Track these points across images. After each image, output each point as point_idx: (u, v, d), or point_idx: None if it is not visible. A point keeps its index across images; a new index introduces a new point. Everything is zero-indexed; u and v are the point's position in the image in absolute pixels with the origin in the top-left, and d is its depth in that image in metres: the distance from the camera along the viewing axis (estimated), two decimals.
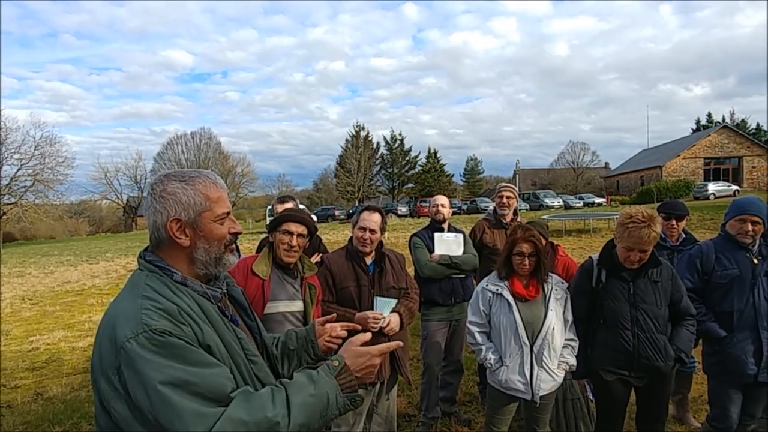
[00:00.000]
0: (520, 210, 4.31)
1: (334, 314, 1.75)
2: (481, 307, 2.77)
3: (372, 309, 2.77)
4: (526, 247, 2.67)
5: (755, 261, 2.79)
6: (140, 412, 1.07)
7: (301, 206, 4.52)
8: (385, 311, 2.77)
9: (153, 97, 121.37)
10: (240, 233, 1.39)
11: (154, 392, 1.05)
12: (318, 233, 3.06)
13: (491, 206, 4.40)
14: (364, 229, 2.82)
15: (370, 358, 1.32)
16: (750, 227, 2.77)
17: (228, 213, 1.33)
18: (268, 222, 2.88)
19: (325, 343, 1.62)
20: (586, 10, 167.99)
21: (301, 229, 2.59)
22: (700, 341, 2.99)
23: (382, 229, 2.88)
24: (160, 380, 1.05)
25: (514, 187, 4.19)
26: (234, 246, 1.38)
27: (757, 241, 2.82)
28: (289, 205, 3.65)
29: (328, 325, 1.65)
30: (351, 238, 2.95)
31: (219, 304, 1.32)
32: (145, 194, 1.35)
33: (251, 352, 1.33)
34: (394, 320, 2.76)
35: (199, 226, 1.28)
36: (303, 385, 1.18)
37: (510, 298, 2.69)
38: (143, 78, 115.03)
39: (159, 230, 1.27)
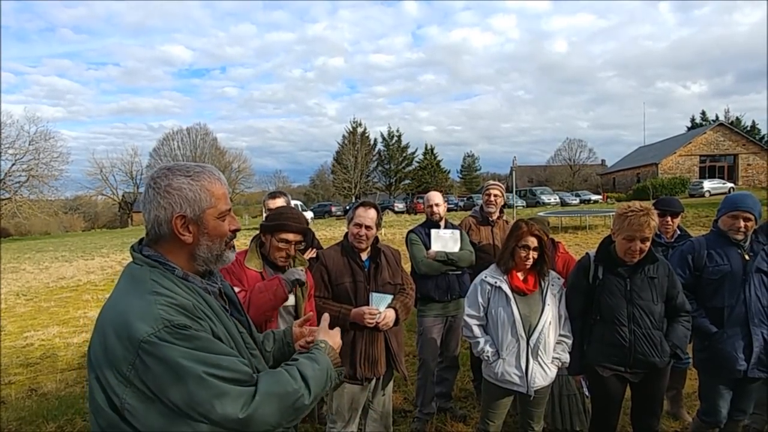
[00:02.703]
0: (516, 207, 4.32)
1: (311, 314, 1.80)
2: (480, 300, 2.78)
3: (368, 305, 2.77)
4: (532, 241, 2.68)
5: (747, 257, 2.80)
6: (162, 406, 1.09)
7: (297, 202, 4.52)
8: (380, 307, 2.77)
9: (151, 92, 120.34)
10: (239, 230, 1.38)
11: (194, 379, 1.08)
12: (312, 229, 3.06)
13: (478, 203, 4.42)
14: (359, 225, 2.81)
15: (338, 339, 1.52)
16: (742, 223, 2.79)
17: (230, 210, 1.33)
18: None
19: (299, 347, 1.62)
20: (585, 7, 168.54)
21: (298, 237, 2.62)
22: (692, 337, 3.01)
23: (378, 225, 2.88)
24: (197, 367, 1.08)
25: (501, 185, 4.22)
26: (233, 243, 1.38)
27: (749, 238, 2.84)
28: (281, 201, 3.62)
29: (305, 328, 1.66)
30: (346, 234, 2.95)
31: (217, 300, 1.32)
32: (143, 187, 1.35)
33: (251, 346, 1.35)
34: (390, 315, 2.77)
35: (203, 222, 1.27)
36: (308, 363, 1.31)
37: (508, 292, 2.70)
38: (141, 73, 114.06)
39: (161, 225, 1.25)
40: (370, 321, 2.70)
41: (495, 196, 4.06)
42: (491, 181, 4.25)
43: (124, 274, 1.26)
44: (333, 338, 1.49)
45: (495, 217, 4.08)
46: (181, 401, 1.07)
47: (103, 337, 1.13)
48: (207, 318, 1.19)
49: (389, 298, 2.82)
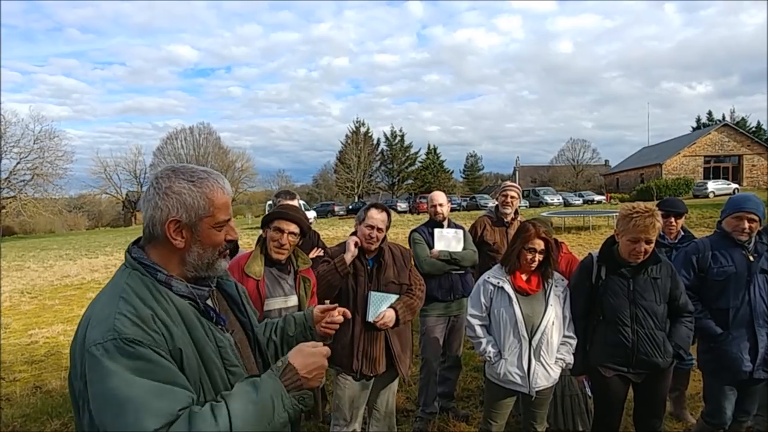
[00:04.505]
0: (519, 208, 4.32)
1: (328, 303, 1.79)
2: (482, 300, 2.78)
3: (367, 303, 2.78)
4: (538, 244, 2.67)
5: (751, 258, 2.80)
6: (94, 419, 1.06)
7: (300, 201, 4.57)
8: (381, 306, 2.77)
9: (156, 91, 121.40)
10: (236, 240, 1.37)
11: (108, 398, 1.03)
12: (316, 229, 3.07)
13: (490, 203, 4.43)
14: (372, 227, 2.82)
15: (320, 358, 1.27)
16: (746, 224, 2.78)
17: (228, 220, 1.30)
18: None
19: (322, 329, 1.64)
20: (590, 7, 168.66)
21: (293, 227, 2.59)
22: (696, 338, 3.00)
23: (387, 227, 2.89)
24: (116, 389, 1.02)
25: (518, 187, 4.21)
26: (227, 252, 1.35)
27: (753, 239, 2.83)
28: (293, 202, 3.67)
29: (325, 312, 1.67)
30: (353, 233, 2.95)
31: (206, 302, 1.29)
32: (147, 185, 1.33)
33: (230, 363, 1.28)
34: (389, 315, 2.76)
35: (198, 230, 1.24)
36: (244, 394, 1.13)
37: (511, 292, 2.69)
38: (147, 73, 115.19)
39: (155, 226, 1.23)
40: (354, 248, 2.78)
41: (512, 197, 4.06)
42: (508, 182, 4.25)
43: (113, 276, 1.26)
44: (298, 356, 1.25)
45: (509, 218, 4.08)
46: (97, 418, 1.05)
47: (75, 341, 1.15)
48: (166, 329, 1.14)
49: (392, 297, 2.81)
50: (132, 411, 1.01)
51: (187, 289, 1.24)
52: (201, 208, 1.24)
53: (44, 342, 6.63)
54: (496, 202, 4.22)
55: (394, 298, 2.82)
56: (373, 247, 2.87)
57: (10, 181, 38.27)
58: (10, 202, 38.32)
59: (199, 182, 1.25)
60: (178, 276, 1.26)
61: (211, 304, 1.32)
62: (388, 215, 2.90)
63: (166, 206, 1.22)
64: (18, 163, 38.48)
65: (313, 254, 3.51)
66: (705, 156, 40.50)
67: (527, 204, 35.91)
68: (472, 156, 65.74)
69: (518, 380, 2.65)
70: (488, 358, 2.73)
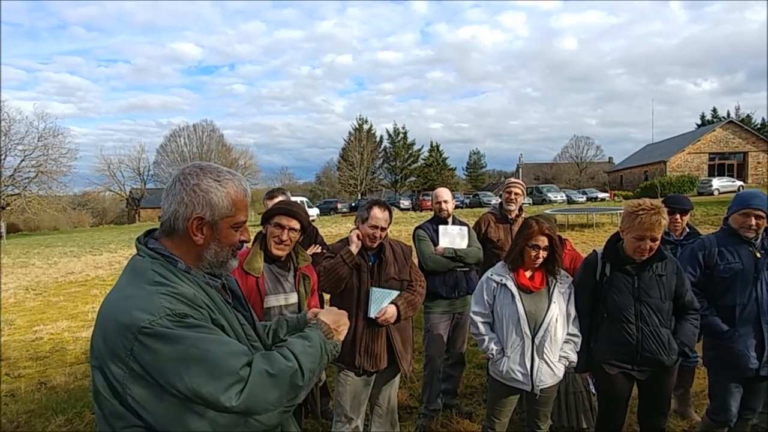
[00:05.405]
0: (523, 205, 4.30)
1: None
2: (485, 297, 2.77)
3: (368, 299, 2.77)
4: (542, 240, 2.65)
5: (758, 255, 2.78)
6: (161, 389, 1.09)
7: (301, 198, 4.55)
8: (383, 302, 2.77)
9: (160, 89, 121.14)
10: (248, 242, 1.42)
11: (192, 362, 1.09)
12: (315, 225, 3.05)
13: (494, 200, 4.42)
14: (375, 227, 2.82)
15: (344, 317, 1.53)
16: (754, 221, 2.76)
17: (245, 221, 1.36)
18: None
19: None
20: (595, 4, 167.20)
21: (293, 223, 2.55)
22: (701, 336, 2.99)
23: (389, 225, 2.89)
24: (196, 350, 1.10)
25: (522, 183, 4.19)
26: (237, 252, 1.41)
27: (760, 236, 2.81)
28: (281, 198, 3.63)
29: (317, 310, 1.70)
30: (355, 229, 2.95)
31: (219, 293, 1.34)
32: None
33: (252, 338, 1.37)
34: (390, 311, 2.77)
35: (218, 228, 1.30)
36: (299, 341, 1.32)
37: (514, 289, 2.68)
38: (151, 70, 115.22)
39: (177, 220, 1.27)
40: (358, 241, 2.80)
41: (516, 194, 4.05)
42: (512, 179, 4.24)
43: (127, 267, 1.28)
44: (328, 315, 1.50)
45: (514, 215, 4.07)
46: (180, 384, 1.08)
47: (104, 328, 1.15)
48: (207, 307, 1.21)
49: (393, 293, 2.82)
50: (215, 359, 1.11)
51: (204, 279, 1.31)
52: (224, 207, 1.29)
53: (49, 338, 6.65)
54: (500, 200, 4.21)
55: (395, 294, 2.82)
56: (375, 245, 2.88)
57: (14, 179, 38.41)
58: (15, 200, 38.46)
59: (225, 183, 1.31)
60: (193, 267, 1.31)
61: (223, 296, 1.38)
62: (390, 213, 2.90)
63: (192, 202, 1.26)
64: (22, 160, 38.60)
65: (311, 251, 3.49)
66: (710, 153, 40.23)
67: (531, 201, 35.76)
68: (475, 153, 65.90)
69: (520, 378, 2.64)
70: (491, 356, 2.72)
